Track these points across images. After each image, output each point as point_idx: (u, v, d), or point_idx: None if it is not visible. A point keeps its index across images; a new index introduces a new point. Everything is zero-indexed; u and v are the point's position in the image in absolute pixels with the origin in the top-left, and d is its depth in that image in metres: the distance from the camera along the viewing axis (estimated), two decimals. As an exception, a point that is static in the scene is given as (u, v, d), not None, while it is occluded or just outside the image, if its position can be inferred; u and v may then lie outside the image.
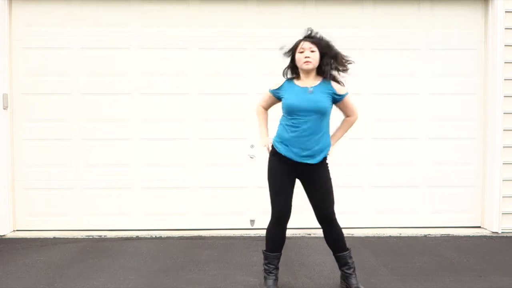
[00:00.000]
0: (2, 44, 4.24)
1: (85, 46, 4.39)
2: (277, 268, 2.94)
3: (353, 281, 2.90)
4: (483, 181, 4.54)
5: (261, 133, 3.04)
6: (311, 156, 2.79)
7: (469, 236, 4.31)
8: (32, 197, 4.43)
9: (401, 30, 4.48)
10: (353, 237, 4.24)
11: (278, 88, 2.91)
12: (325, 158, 2.86)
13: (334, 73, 2.86)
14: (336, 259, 2.97)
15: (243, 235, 4.34)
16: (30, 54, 4.37)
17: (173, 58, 4.44)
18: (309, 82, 2.85)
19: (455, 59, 4.50)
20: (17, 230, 4.43)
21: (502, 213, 4.39)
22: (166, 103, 4.45)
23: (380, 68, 4.49)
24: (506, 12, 4.32)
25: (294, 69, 2.91)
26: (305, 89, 2.81)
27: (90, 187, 4.45)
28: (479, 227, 4.56)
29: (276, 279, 2.93)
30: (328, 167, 2.90)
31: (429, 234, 4.36)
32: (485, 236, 4.33)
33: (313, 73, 2.85)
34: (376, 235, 4.33)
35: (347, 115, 2.97)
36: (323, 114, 2.79)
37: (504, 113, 4.36)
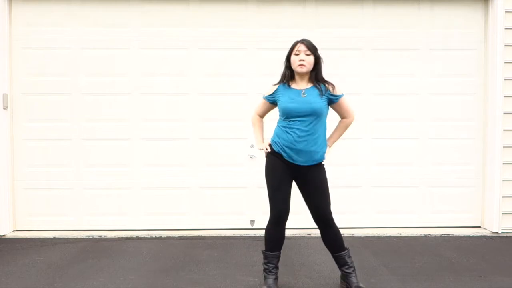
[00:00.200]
0: (2, 44, 4.24)
1: (85, 46, 4.40)
2: (277, 267, 2.94)
3: (353, 280, 2.90)
4: (483, 181, 4.54)
5: (258, 141, 3.06)
6: (308, 157, 2.80)
7: (469, 236, 4.31)
8: (32, 197, 4.43)
9: (401, 30, 4.49)
10: (353, 237, 4.24)
11: (273, 94, 2.93)
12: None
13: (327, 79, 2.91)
14: (335, 259, 2.97)
15: (243, 235, 4.34)
16: (30, 54, 4.37)
17: (173, 58, 4.44)
18: (303, 84, 2.87)
19: (455, 59, 4.50)
20: (17, 230, 4.43)
21: (502, 213, 4.39)
22: (166, 103, 4.45)
23: (380, 68, 4.49)
24: (506, 12, 4.32)
25: (290, 70, 2.91)
26: (299, 91, 2.84)
27: (90, 187, 4.45)
28: (479, 227, 4.56)
29: (276, 278, 2.93)
30: (324, 168, 2.91)
31: (429, 234, 4.36)
32: (485, 236, 4.33)
33: (307, 76, 2.87)
34: (376, 235, 4.33)
35: (343, 116, 2.99)
36: (318, 116, 2.80)
37: (504, 113, 4.36)
